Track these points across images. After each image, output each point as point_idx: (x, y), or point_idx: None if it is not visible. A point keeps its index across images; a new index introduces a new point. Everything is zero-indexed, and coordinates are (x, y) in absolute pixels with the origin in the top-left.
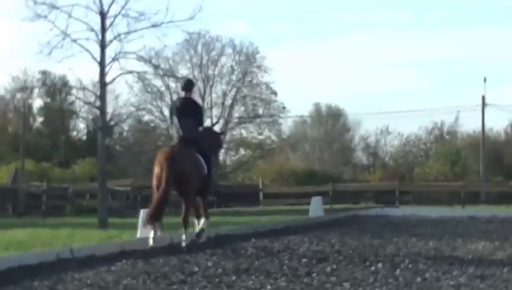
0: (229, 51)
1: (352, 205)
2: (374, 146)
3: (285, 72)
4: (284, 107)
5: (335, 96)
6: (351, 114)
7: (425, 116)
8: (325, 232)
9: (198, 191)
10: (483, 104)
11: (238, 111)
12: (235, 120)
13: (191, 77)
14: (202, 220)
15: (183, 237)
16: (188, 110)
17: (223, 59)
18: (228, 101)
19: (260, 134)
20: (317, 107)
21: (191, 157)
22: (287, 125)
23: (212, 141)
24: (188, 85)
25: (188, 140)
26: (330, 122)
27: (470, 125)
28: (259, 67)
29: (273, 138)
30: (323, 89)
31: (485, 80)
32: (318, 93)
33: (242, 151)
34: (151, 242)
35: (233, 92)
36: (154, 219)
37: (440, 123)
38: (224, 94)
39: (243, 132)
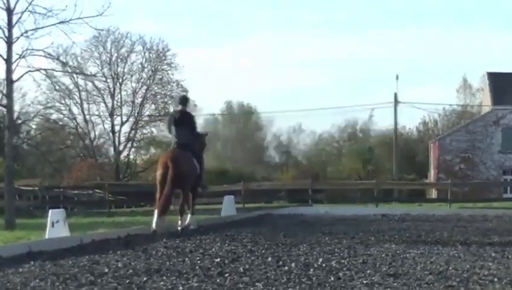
0: (139, 48)
1: (265, 204)
2: (286, 144)
3: (197, 70)
4: (196, 105)
5: (247, 95)
6: (263, 112)
7: (339, 114)
8: (237, 232)
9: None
10: (396, 102)
11: (149, 109)
12: (146, 118)
13: (184, 93)
14: (188, 216)
15: (179, 223)
16: (184, 120)
17: (133, 56)
18: (138, 99)
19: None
20: (228, 105)
21: (189, 159)
22: (198, 123)
23: (200, 141)
24: (184, 100)
25: (184, 145)
26: (242, 120)
27: (383, 123)
28: (169, 64)
29: None
30: (235, 87)
31: (397, 77)
32: (230, 92)
33: (153, 150)
34: (154, 226)
35: (143, 90)
36: (163, 213)
37: (353, 121)
38: (134, 92)
39: (154, 130)
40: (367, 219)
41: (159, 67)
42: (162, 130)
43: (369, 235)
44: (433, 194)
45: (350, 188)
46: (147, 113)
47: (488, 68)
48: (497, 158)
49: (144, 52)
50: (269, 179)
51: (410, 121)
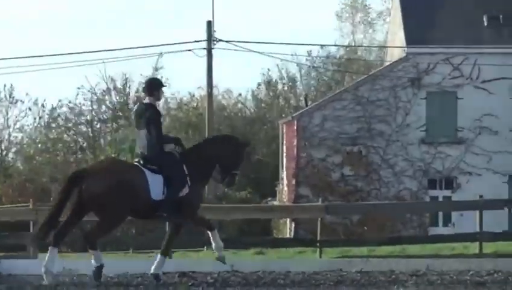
0: None
1: None
2: None
3: None
4: None
5: None
6: None
7: (91, 66)
8: None
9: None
10: (210, 40)
11: None
12: None
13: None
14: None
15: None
16: (143, 119)
17: None
18: None
19: None
20: None
21: (111, 175)
22: None
23: (236, 154)
24: (147, 86)
25: (145, 158)
26: None
27: (184, 82)
28: None
29: None
30: None
31: None
32: None
33: None
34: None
35: None
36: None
37: (123, 78)
38: None
39: None
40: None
41: None
42: None
43: None
44: (288, 229)
45: None
46: None
47: None
48: (418, 154)
49: None
50: None
51: (239, 79)
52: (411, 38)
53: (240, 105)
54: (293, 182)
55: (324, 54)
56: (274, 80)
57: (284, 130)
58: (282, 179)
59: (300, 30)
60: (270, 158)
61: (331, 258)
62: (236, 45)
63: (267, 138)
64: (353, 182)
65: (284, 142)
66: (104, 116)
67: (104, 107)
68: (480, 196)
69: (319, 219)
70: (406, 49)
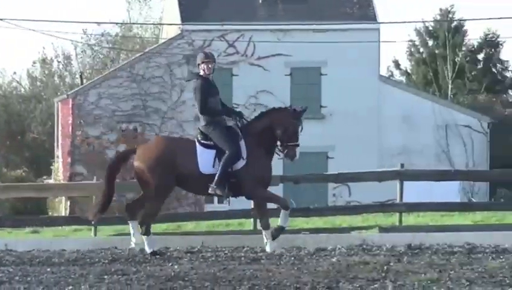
0: None
1: None
2: None
3: None
4: None
5: None
6: None
7: None
8: None
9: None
10: None
11: None
12: None
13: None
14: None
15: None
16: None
17: None
18: None
19: None
20: None
21: (158, 150)
22: None
23: (276, 125)
24: (197, 60)
25: (202, 131)
26: None
27: None
28: None
29: None
30: None
31: None
32: None
33: None
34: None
35: None
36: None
37: None
38: None
39: None
40: None
41: None
42: None
43: None
44: (64, 207)
45: None
46: None
47: None
48: (193, 131)
49: None
50: None
51: (14, 58)
52: (186, 16)
53: (14, 83)
54: (68, 160)
55: (100, 32)
56: (49, 58)
57: (60, 108)
58: (58, 157)
59: (76, 8)
60: (45, 136)
61: (107, 236)
62: (9, 23)
63: (43, 116)
64: None
65: (60, 120)
66: None
67: None
68: None
69: (94, 197)
70: (181, 26)
